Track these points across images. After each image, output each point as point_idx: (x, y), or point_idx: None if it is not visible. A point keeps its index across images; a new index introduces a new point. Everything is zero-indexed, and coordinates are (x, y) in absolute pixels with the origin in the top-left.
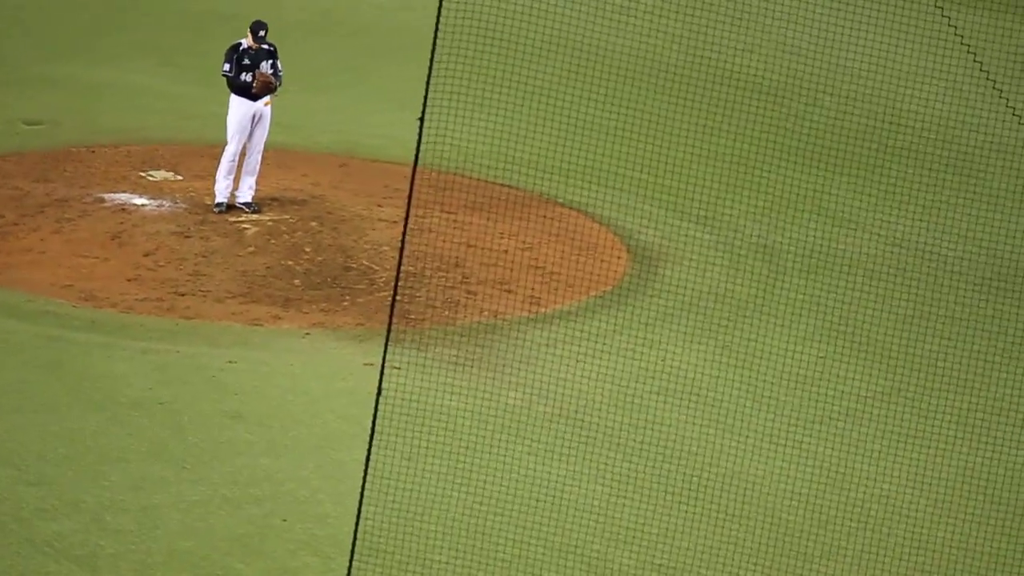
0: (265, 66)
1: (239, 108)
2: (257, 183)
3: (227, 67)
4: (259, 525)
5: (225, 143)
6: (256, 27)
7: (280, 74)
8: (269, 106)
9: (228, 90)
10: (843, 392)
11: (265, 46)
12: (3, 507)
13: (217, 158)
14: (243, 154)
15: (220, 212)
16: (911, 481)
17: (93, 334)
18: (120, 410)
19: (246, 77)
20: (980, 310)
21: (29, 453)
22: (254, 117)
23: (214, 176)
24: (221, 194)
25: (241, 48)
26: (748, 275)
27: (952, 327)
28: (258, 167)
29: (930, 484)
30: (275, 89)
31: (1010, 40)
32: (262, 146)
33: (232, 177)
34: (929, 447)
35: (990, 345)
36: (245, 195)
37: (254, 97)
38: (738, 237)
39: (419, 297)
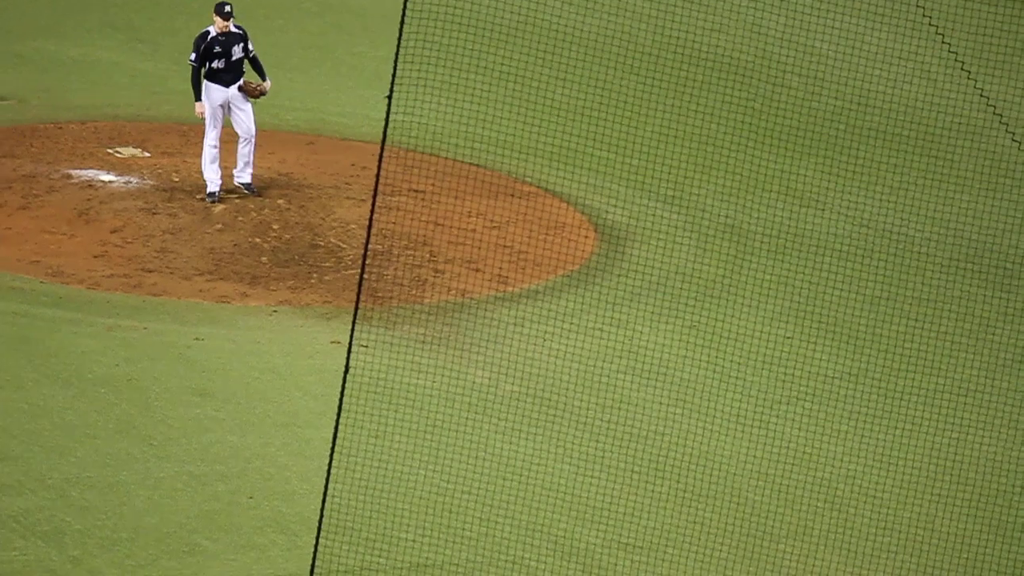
0: (237, 51)
1: (211, 95)
2: (253, 164)
3: (193, 56)
4: (226, 502)
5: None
6: (220, 7)
7: (254, 55)
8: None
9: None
10: (810, 372)
11: (235, 29)
12: None
13: (185, 135)
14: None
15: (213, 202)
16: (877, 461)
17: (60, 310)
18: (87, 386)
19: (218, 64)
20: (947, 291)
21: None
22: (224, 105)
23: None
24: (211, 183)
25: (210, 36)
26: (715, 255)
27: (919, 308)
28: (249, 149)
29: (896, 464)
30: (266, 93)
31: (979, 22)
32: (250, 128)
33: (216, 165)
34: (895, 428)
35: (956, 326)
36: (242, 176)
37: (227, 83)
38: (706, 217)
39: (386, 275)
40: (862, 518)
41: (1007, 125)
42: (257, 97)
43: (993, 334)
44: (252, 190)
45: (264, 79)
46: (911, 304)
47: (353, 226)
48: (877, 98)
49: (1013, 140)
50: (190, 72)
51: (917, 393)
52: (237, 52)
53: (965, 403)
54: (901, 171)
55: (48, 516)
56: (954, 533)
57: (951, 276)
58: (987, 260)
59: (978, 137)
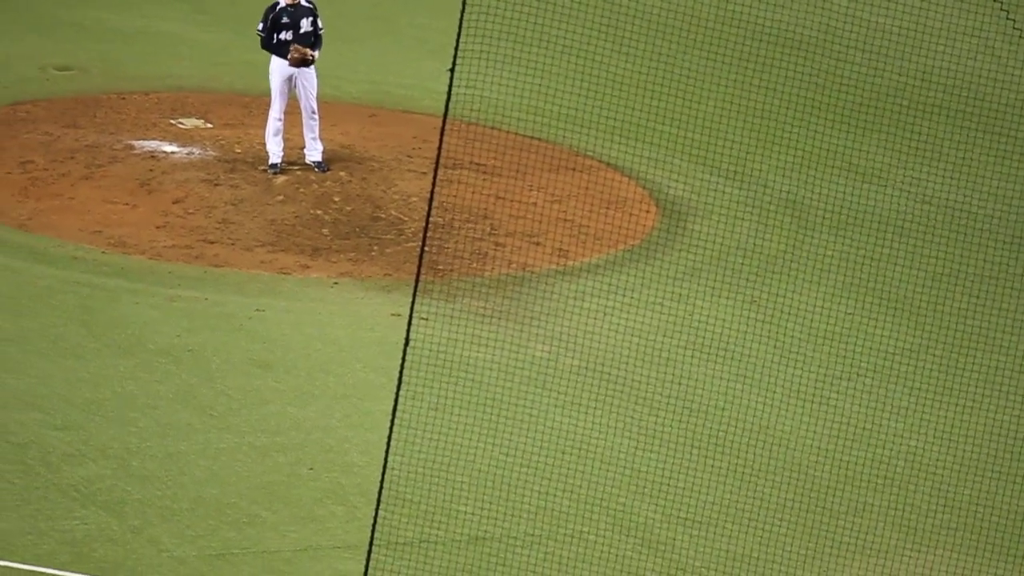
0: (305, 24)
1: (277, 69)
2: (321, 139)
3: (260, 26)
4: (286, 473)
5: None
6: None
7: (321, 32)
8: (312, 66)
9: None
10: (871, 348)
11: (304, 3)
12: (31, 451)
13: (247, 106)
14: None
15: (275, 174)
16: (937, 438)
17: (121, 280)
18: (148, 356)
19: (285, 36)
20: (1009, 268)
21: (56, 398)
22: (291, 79)
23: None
24: (273, 155)
25: (278, 7)
26: (776, 230)
27: (981, 285)
28: (313, 124)
29: (957, 441)
30: (312, 63)
31: None
32: (310, 104)
33: (279, 137)
34: (956, 404)
35: (1018, 303)
36: (312, 154)
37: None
38: (767, 192)
39: (447, 248)
40: (922, 495)
41: None
42: (299, 64)
43: None
44: (323, 168)
45: (314, 51)
46: (973, 280)
47: (414, 199)
48: (940, 74)
49: None
50: (259, 42)
51: (978, 370)
52: (305, 25)
53: None
54: (963, 147)
55: (109, 485)
56: (1014, 511)
57: (1013, 253)
58: None
59: None
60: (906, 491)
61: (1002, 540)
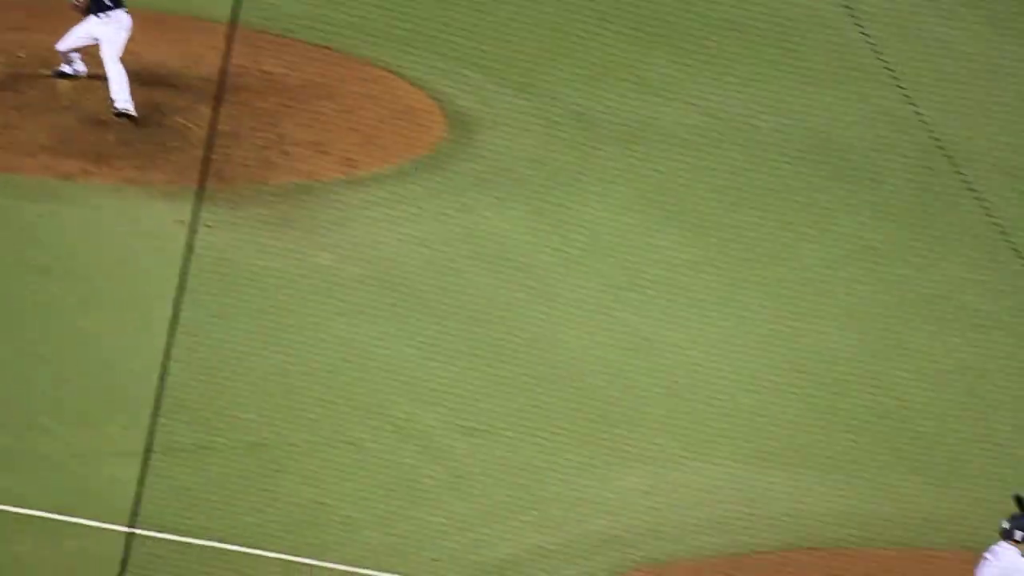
0: None
1: None
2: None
3: None
4: (64, 379)
5: None
6: None
7: None
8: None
9: None
10: (655, 260)
11: None
12: None
13: (30, 9)
14: None
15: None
16: (717, 350)
17: None
18: None
19: None
20: (792, 183)
21: None
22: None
23: None
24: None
25: None
26: (564, 143)
27: (765, 198)
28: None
29: (736, 353)
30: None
31: None
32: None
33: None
34: (737, 316)
35: (800, 217)
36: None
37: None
38: (555, 104)
39: (233, 156)
40: (700, 405)
41: (855, 17)
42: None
43: (835, 225)
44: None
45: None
46: (757, 194)
47: (200, 105)
48: None
49: (861, 32)
50: None
51: (759, 283)
52: None
53: (806, 293)
54: (751, 62)
55: None
56: (792, 423)
57: (797, 167)
58: (833, 152)
59: (828, 29)
60: (684, 401)
61: (779, 447)
